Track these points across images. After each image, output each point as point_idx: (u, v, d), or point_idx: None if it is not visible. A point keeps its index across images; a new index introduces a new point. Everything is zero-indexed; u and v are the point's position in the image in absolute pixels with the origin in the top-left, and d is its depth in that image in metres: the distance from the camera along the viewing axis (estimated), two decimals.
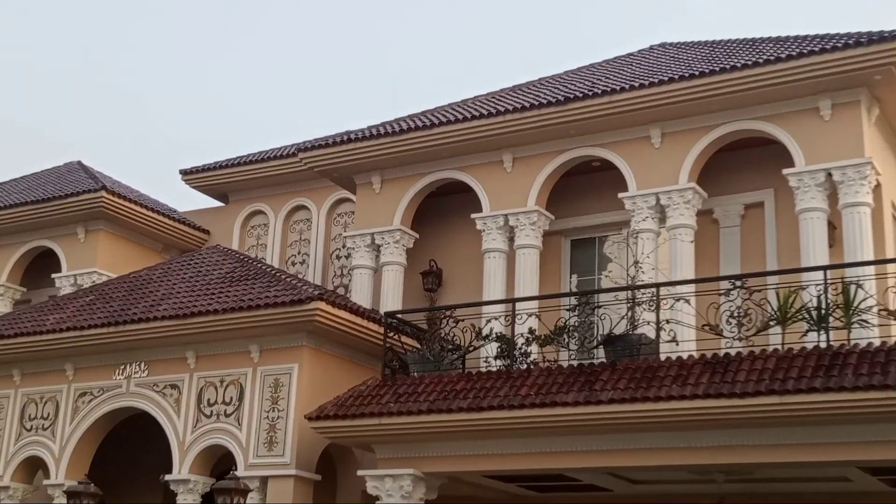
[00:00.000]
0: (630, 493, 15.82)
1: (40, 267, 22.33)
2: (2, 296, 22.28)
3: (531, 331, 14.70)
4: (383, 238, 18.69)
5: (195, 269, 18.54)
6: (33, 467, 18.18)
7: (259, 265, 18.29)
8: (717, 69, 15.92)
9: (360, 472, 15.15)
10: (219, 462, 16.70)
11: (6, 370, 18.47)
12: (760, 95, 15.79)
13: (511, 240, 17.69)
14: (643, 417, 12.91)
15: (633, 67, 18.37)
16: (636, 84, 16.49)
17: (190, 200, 26.24)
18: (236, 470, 15.11)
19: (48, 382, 18.00)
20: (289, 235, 22.48)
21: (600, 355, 14.12)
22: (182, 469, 16.37)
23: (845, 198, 15.25)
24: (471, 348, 15.15)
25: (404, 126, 18.42)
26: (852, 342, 12.80)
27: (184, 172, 23.25)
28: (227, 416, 16.25)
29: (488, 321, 15.27)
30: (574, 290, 17.59)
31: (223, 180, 22.95)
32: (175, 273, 18.62)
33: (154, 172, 52.87)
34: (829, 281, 13.10)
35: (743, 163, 16.84)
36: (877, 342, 12.62)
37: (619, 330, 13.96)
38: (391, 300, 18.26)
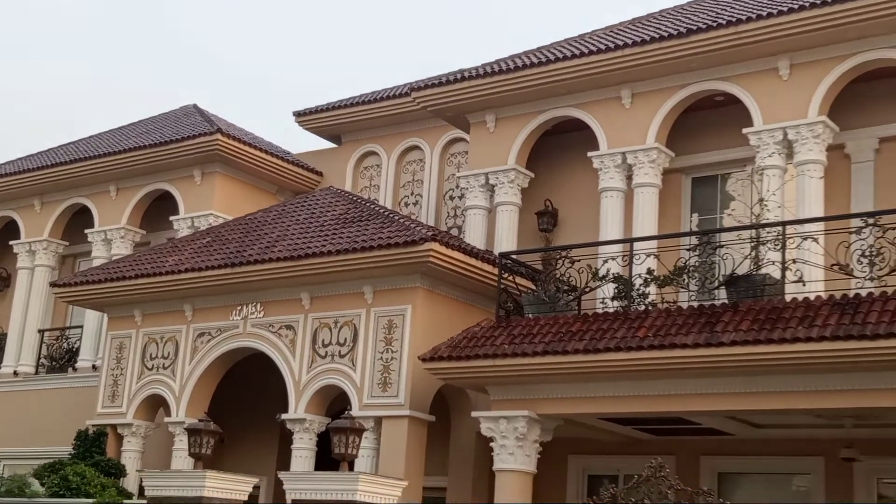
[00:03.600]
0: (753, 438, 15.39)
1: (158, 210, 22.68)
2: (122, 238, 22.73)
3: (649, 271, 14.29)
4: (497, 178, 18.37)
5: (309, 210, 18.56)
6: (155, 405, 18.62)
7: (372, 206, 18.21)
8: None
9: (474, 414, 15.05)
10: (333, 402, 16.80)
11: (128, 311, 18.89)
12: None
13: (629, 178, 17.17)
14: (767, 360, 12.49)
15: None
16: (763, 13, 15.68)
17: (303, 142, 26.29)
18: (351, 410, 15.13)
19: (168, 323, 18.35)
20: (402, 176, 22.32)
21: (722, 296, 13.70)
22: (298, 409, 16.51)
23: None
24: (587, 289, 14.87)
25: (519, 63, 17.97)
26: None
27: (297, 114, 23.24)
28: (341, 356, 16.30)
29: (605, 262, 14.94)
30: (695, 229, 17.03)
31: (336, 121, 22.86)
32: (289, 215, 18.68)
33: (267, 114, 53.38)
34: None
35: (878, 94, 15.88)
36: None
37: (742, 270, 13.50)
38: (505, 241, 17.97)
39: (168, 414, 18.13)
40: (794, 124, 15.58)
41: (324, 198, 19.16)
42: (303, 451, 16.47)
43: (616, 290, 14.46)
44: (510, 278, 15.50)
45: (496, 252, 16.88)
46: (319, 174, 23.11)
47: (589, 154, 17.51)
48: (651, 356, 13.16)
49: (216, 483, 13.16)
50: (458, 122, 19.42)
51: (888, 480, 15.21)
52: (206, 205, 21.72)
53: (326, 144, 23.65)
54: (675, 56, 16.48)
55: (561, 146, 18.63)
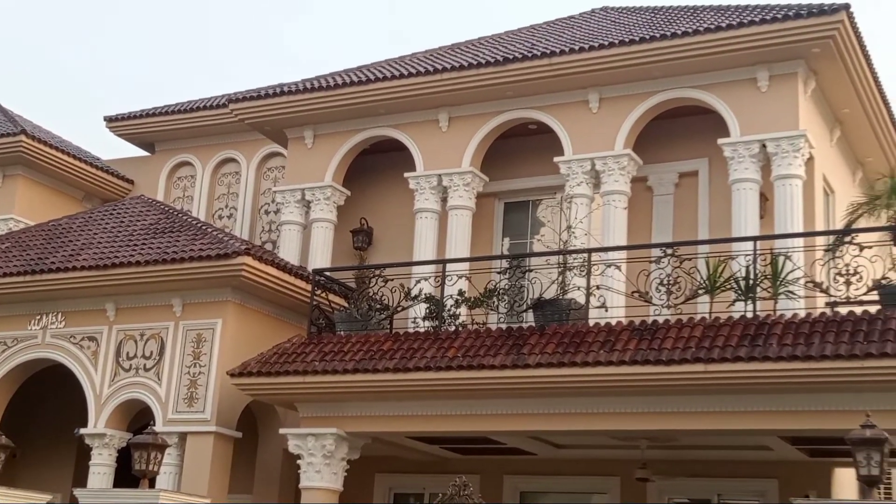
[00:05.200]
0: (553, 457, 15.85)
1: None
2: None
3: (461, 293, 14.58)
4: (314, 194, 18.36)
5: (118, 219, 18.05)
6: None
7: (185, 217, 17.87)
8: (658, 35, 15.80)
9: (282, 431, 14.94)
10: (136, 417, 16.35)
11: None
12: (699, 64, 15.73)
13: (444, 200, 17.48)
14: (570, 382, 12.89)
15: (574, 30, 18.20)
16: (576, 47, 16.33)
17: (115, 149, 25.51)
18: (154, 425, 14.76)
19: None
20: (216, 188, 21.99)
21: (529, 319, 14.05)
22: (98, 423, 15.99)
23: (778, 169, 15.29)
24: (399, 308, 15.00)
25: (339, 81, 18.05)
26: (778, 313, 12.92)
27: (108, 119, 22.58)
28: (146, 370, 15.89)
29: (418, 282, 15.12)
30: (506, 252, 17.47)
31: (150, 129, 22.32)
32: (96, 223, 18.11)
33: (79, 119, 51.60)
34: (758, 252, 13.19)
35: (679, 131, 16.80)
36: (802, 313, 12.74)
37: (549, 294, 13.91)
38: (320, 258, 17.97)
39: None
40: (602, 155, 16.24)
41: (134, 207, 18.67)
42: (101, 467, 15.93)
43: (427, 311, 14.67)
44: (323, 295, 15.50)
45: (310, 268, 16.85)
46: (130, 182, 22.49)
47: (405, 175, 17.74)
48: (460, 376, 13.37)
49: (5, 500, 12.65)
50: (276, 137, 19.31)
51: (678, 500, 15.97)
52: (7, 209, 20.81)
53: (140, 152, 23.05)
54: (491, 83, 16.92)
55: (378, 165, 18.79)
